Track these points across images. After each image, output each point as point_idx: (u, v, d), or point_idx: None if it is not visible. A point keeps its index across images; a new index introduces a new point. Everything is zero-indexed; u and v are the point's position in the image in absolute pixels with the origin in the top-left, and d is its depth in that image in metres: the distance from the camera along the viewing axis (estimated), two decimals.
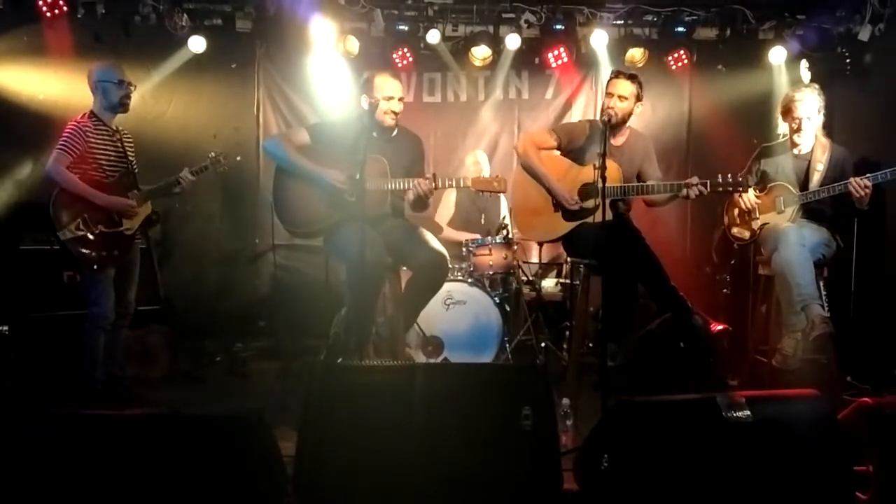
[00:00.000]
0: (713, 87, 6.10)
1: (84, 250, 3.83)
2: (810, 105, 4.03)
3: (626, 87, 3.98)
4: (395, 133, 4.02)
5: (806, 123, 4.04)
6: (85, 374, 3.91)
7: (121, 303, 4.02)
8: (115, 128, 4.03)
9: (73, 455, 2.33)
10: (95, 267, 3.86)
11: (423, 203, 3.88)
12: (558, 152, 4.17)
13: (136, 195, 4.01)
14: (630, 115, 4.04)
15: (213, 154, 4.30)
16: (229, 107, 6.08)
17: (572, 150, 4.15)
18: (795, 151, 4.13)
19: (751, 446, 2.43)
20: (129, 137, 4.13)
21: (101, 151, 3.93)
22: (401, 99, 3.93)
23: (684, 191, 3.77)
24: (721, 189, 3.78)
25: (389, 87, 3.88)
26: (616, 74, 4.06)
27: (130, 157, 4.09)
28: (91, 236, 3.85)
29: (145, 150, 4.45)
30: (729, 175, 3.76)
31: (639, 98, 4.04)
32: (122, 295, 4.03)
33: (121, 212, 3.94)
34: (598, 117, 4.21)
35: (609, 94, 4.00)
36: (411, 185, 3.78)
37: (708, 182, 3.75)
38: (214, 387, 4.71)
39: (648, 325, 4.49)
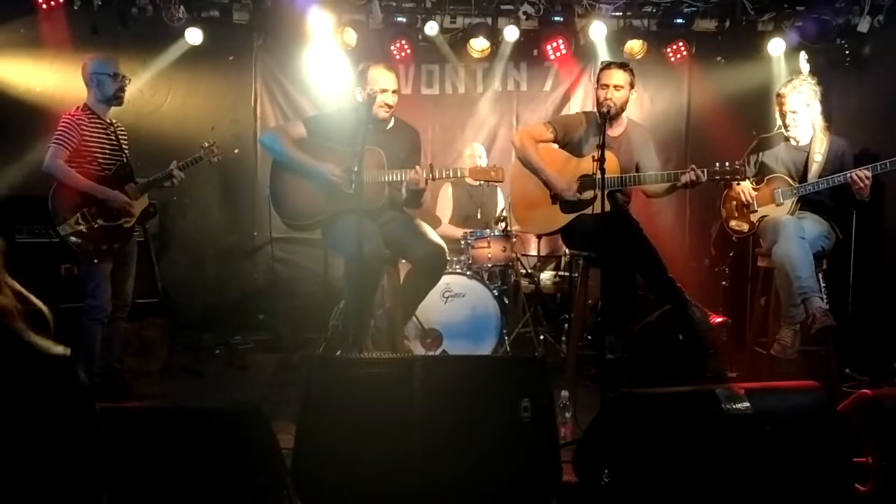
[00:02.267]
0: (712, 78, 6.08)
1: (84, 244, 3.82)
2: (796, 100, 4.02)
3: (620, 76, 3.97)
4: (391, 125, 4.01)
5: (792, 117, 4.04)
6: (82, 368, 3.90)
7: (118, 295, 4.01)
8: (109, 121, 4.01)
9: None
10: (96, 261, 3.85)
11: (416, 199, 3.88)
12: (555, 145, 4.16)
13: (132, 188, 4.00)
14: (626, 103, 4.04)
15: (206, 144, 4.28)
16: (227, 99, 6.06)
17: (569, 142, 4.14)
18: (793, 143, 4.12)
19: (750, 438, 2.43)
20: (123, 130, 4.11)
21: (97, 144, 3.91)
22: (395, 91, 3.91)
23: (682, 178, 3.76)
24: (718, 177, 3.77)
25: (384, 80, 3.86)
26: (608, 65, 4.05)
27: (125, 150, 4.07)
28: (91, 230, 3.84)
29: (142, 142, 4.43)
30: (727, 163, 3.76)
31: (632, 86, 4.04)
32: (119, 287, 4.02)
33: (119, 208, 3.92)
34: (594, 109, 4.19)
35: (604, 86, 3.98)
36: (408, 175, 3.77)
37: (705, 170, 3.74)
38: (213, 380, 4.70)
39: (647, 317, 4.49)
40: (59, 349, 1.23)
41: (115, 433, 2.35)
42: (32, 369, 1.16)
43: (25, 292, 1.48)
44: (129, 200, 3.96)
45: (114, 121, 4.06)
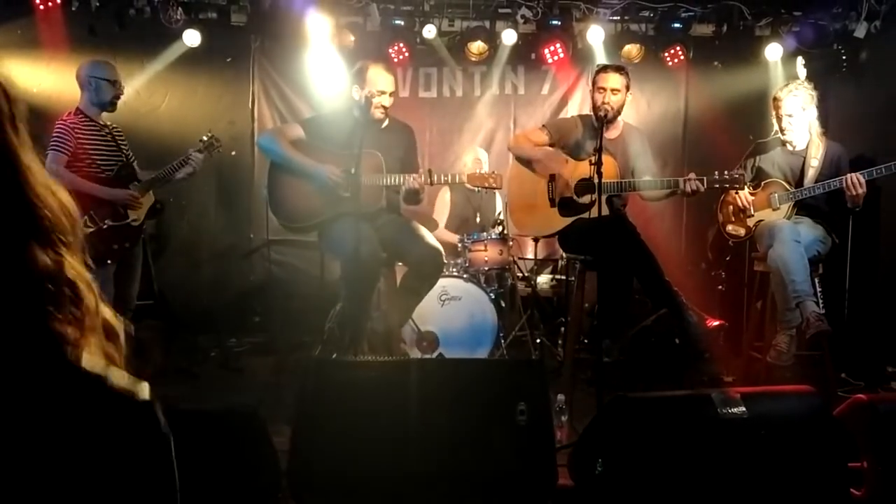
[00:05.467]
0: (709, 83, 6.10)
1: (95, 246, 3.81)
2: (792, 103, 4.02)
3: (617, 79, 3.98)
4: (385, 124, 4.01)
5: (788, 121, 4.04)
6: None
7: (122, 298, 4.00)
8: (103, 123, 4.01)
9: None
10: (108, 261, 3.84)
11: (416, 197, 3.88)
12: (550, 148, 4.16)
13: (136, 186, 3.99)
14: (623, 107, 4.05)
15: (205, 137, 4.26)
16: (224, 101, 6.06)
17: (564, 145, 4.14)
18: (789, 147, 4.13)
19: (746, 442, 2.44)
20: (119, 131, 4.11)
21: (93, 148, 3.91)
22: (392, 94, 3.92)
23: (681, 186, 3.77)
24: (718, 185, 3.78)
25: (382, 81, 3.86)
26: (604, 69, 4.05)
27: (125, 150, 4.07)
28: (100, 231, 3.83)
29: (139, 144, 4.42)
30: (726, 171, 3.76)
31: (628, 88, 4.04)
32: (123, 291, 4.01)
33: (124, 203, 3.92)
34: (590, 113, 4.20)
35: (601, 89, 3.98)
36: (406, 180, 3.77)
37: (705, 178, 3.75)
38: (208, 382, 4.69)
39: (643, 321, 4.48)
40: (144, 390, 0.89)
41: None
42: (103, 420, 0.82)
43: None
44: (134, 193, 3.95)
45: (108, 123, 4.06)
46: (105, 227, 3.84)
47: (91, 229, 3.81)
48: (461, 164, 5.72)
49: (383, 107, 3.89)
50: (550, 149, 4.03)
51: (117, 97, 3.99)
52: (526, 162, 4.10)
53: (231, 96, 6.10)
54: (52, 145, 3.78)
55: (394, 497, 2.43)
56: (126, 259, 3.99)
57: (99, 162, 3.92)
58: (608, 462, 2.43)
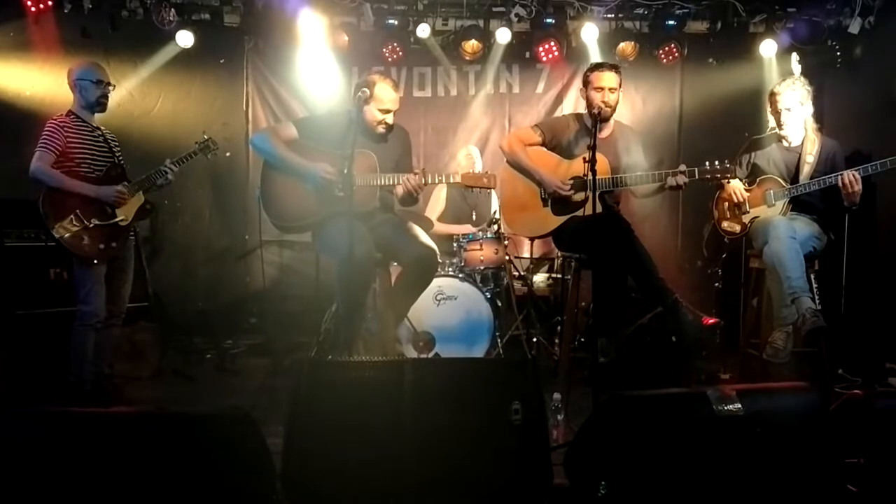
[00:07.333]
0: (704, 80, 6.10)
1: (81, 246, 3.79)
2: (790, 97, 4.02)
3: (613, 78, 3.98)
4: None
5: (787, 115, 4.04)
6: (73, 373, 3.87)
7: (113, 301, 3.97)
8: (95, 125, 4.00)
9: (60, 454, 2.31)
10: (95, 262, 3.82)
11: (412, 198, 3.87)
12: (544, 148, 4.15)
13: (125, 186, 3.97)
14: (617, 104, 4.04)
15: (200, 140, 4.25)
16: (218, 102, 6.05)
17: (557, 144, 4.13)
18: (785, 143, 4.12)
19: (742, 440, 2.42)
20: (111, 134, 4.10)
21: (84, 148, 3.89)
22: (394, 112, 3.92)
23: (671, 180, 3.75)
24: (709, 176, 3.77)
25: (388, 100, 3.86)
26: (599, 67, 4.04)
27: (116, 152, 4.05)
28: (86, 230, 3.81)
29: (133, 146, 4.42)
30: (716, 162, 3.75)
31: (620, 86, 4.04)
32: (115, 293, 3.98)
33: (111, 200, 3.89)
34: (585, 112, 4.18)
35: (598, 89, 3.97)
36: (401, 180, 3.76)
37: (696, 170, 3.74)
38: (204, 384, 4.68)
39: (639, 319, 4.48)
40: None
41: (102, 439, 2.34)
42: None
43: None
44: (122, 190, 3.92)
45: (101, 127, 4.04)
46: (91, 226, 3.82)
47: (77, 228, 3.78)
48: (455, 163, 5.72)
49: (385, 123, 3.89)
50: (551, 176, 4.01)
51: (104, 96, 3.96)
52: (524, 172, 4.09)
53: (225, 97, 6.09)
54: (40, 144, 3.77)
55: (388, 498, 2.42)
56: (117, 260, 3.96)
57: (89, 161, 3.90)
58: (611, 479, 2.41)
